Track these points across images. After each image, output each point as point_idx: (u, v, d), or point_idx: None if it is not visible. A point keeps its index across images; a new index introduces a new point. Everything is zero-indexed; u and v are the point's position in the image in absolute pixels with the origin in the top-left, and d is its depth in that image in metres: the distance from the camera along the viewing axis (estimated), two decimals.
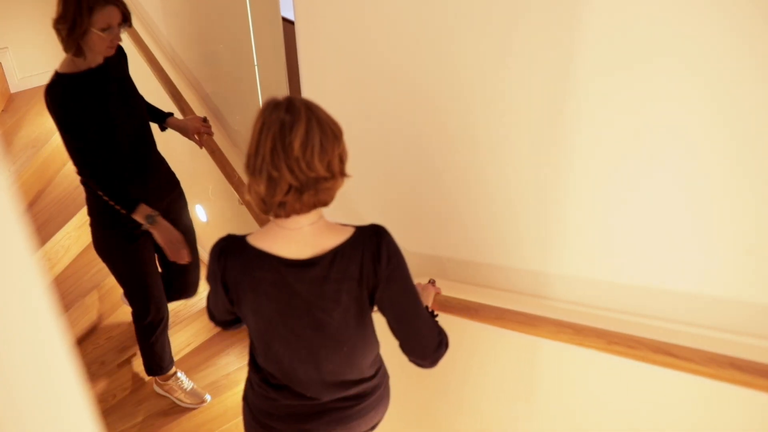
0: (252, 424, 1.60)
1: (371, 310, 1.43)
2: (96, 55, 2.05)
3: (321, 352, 1.43)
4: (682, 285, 1.33)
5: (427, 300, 1.68)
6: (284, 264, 1.33)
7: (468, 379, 1.98)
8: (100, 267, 3.04)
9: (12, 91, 3.76)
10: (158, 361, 2.62)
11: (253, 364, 1.55)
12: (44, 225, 3.07)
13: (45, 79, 3.69)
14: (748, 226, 1.21)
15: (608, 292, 1.47)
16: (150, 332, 2.51)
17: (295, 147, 1.20)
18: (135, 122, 2.19)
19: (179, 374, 2.71)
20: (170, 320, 2.90)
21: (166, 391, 2.71)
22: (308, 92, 1.89)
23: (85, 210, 3.13)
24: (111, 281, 2.96)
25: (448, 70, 1.56)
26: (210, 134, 2.41)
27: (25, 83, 3.79)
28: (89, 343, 2.80)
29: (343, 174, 1.29)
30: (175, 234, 2.15)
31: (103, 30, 1.96)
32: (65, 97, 2.01)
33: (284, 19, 2.52)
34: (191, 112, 2.57)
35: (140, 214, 2.11)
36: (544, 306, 1.61)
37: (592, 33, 1.26)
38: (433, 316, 1.57)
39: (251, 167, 1.25)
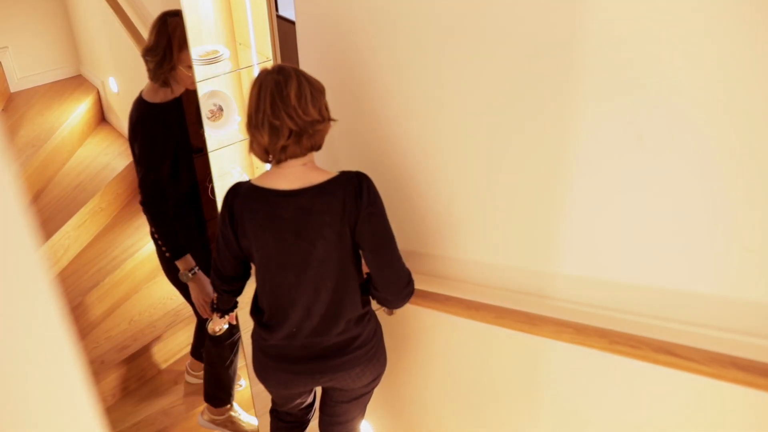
0: (254, 363, 1.79)
1: (353, 249, 1.58)
2: (179, 88, 2.03)
3: (310, 284, 1.59)
4: (684, 284, 1.33)
5: None
6: (274, 194, 1.53)
7: (468, 378, 1.98)
8: (99, 266, 3.03)
9: (12, 90, 3.76)
10: (228, 388, 2.40)
11: (254, 310, 1.73)
12: (44, 224, 3.07)
13: (44, 78, 3.66)
14: (751, 225, 1.20)
15: (610, 291, 1.47)
16: (228, 353, 2.35)
17: (291, 98, 1.45)
18: (192, 159, 2.12)
19: (235, 405, 2.49)
20: (170, 320, 2.90)
21: (219, 425, 2.43)
22: None
23: (84, 210, 3.14)
24: (110, 281, 2.96)
25: (448, 70, 1.56)
26: None
27: (25, 83, 3.78)
28: (89, 342, 2.80)
29: (330, 119, 1.53)
30: (208, 292, 2.16)
31: (190, 68, 1.93)
32: (150, 123, 1.98)
33: (285, 19, 2.52)
34: None
35: (183, 263, 2.09)
36: (545, 305, 1.60)
37: (591, 26, 1.26)
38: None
39: (253, 123, 1.48)
